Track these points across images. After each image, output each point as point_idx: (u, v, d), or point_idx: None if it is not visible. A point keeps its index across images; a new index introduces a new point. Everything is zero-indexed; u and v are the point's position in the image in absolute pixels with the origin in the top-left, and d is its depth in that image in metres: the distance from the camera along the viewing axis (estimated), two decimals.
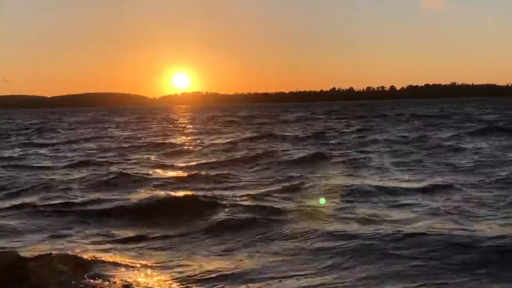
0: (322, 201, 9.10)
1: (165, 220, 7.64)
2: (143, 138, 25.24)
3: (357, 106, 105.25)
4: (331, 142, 20.28)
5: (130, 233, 7.03)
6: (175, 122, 48.56)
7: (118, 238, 6.81)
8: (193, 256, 6.01)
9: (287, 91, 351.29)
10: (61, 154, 17.91)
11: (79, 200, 9.02)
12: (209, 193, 9.29)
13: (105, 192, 9.83)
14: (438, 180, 10.38)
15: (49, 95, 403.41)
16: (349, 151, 16.57)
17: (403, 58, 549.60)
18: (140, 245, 6.48)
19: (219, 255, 6.04)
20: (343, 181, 10.59)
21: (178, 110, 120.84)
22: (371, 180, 10.68)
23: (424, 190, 9.29)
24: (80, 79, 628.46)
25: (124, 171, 12.28)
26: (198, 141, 23.25)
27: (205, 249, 6.28)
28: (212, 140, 23.27)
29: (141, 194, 9.32)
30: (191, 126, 38.90)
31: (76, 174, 12.33)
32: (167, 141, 23.23)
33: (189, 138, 25.68)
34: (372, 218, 7.27)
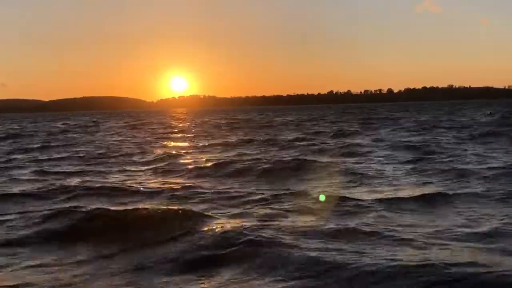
0: (322, 197, 8.79)
1: (126, 237, 6.70)
2: (127, 144, 24.24)
3: (355, 109, 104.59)
4: (323, 146, 19.23)
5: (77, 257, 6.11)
6: (166, 126, 47.50)
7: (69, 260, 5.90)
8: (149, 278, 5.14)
9: (284, 94, 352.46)
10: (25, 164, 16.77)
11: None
12: (185, 207, 8.35)
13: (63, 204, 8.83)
14: (439, 190, 9.48)
15: (46, 99, 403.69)
16: (343, 158, 15.64)
17: (401, 61, 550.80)
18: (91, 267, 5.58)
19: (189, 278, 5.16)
20: (335, 191, 9.67)
21: (174, 114, 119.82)
22: (366, 190, 9.78)
23: (424, 203, 8.38)
24: (78, 82, 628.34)
25: (91, 182, 11.35)
26: (184, 146, 22.36)
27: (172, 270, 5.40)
28: (201, 145, 22.35)
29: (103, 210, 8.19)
30: (181, 131, 37.98)
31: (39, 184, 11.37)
32: (151, 147, 22.24)
33: (176, 143, 24.72)
34: (365, 238, 6.36)
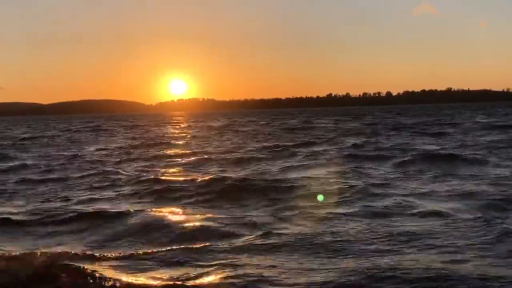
0: (320, 197, 8.49)
1: None
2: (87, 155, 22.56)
3: (353, 112, 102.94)
4: (296, 159, 16.37)
5: None
6: (149, 132, 45.87)
7: None
8: None
9: (283, 97, 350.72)
10: None
11: None
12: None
13: None
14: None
15: (45, 102, 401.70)
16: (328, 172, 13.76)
17: (400, 64, 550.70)
18: None
19: None
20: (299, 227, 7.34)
21: (171, 117, 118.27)
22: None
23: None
24: (77, 86, 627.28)
25: None
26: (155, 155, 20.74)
27: None
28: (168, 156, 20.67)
29: None
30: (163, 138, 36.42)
31: None
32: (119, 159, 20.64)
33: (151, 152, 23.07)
34: None
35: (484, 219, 6.99)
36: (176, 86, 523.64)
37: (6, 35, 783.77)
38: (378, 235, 6.46)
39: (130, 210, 8.27)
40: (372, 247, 5.97)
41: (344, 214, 7.63)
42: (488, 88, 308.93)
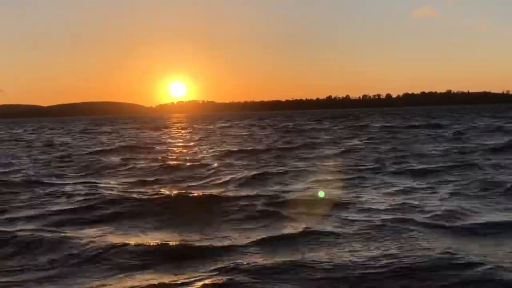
0: (321, 194, 8.40)
1: None
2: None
3: (353, 114, 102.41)
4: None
5: None
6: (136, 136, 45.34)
7: None
8: None
9: (283, 99, 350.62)
10: None
11: None
12: None
13: None
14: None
15: (45, 104, 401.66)
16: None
17: (399, 66, 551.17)
18: None
19: None
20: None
21: (170, 119, 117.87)
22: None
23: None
24: (77, 88, 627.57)
25: None
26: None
27: None
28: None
29: None
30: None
31: None
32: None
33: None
34: None
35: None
36: (176, 88, 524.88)
37: (6, 36, 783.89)
38: (376, 258, 5.74)
39: (70, 233, 7.17)
40: (367, 271, 5.31)
41: (338, 234, 6.88)
42: (487, 90, 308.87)
